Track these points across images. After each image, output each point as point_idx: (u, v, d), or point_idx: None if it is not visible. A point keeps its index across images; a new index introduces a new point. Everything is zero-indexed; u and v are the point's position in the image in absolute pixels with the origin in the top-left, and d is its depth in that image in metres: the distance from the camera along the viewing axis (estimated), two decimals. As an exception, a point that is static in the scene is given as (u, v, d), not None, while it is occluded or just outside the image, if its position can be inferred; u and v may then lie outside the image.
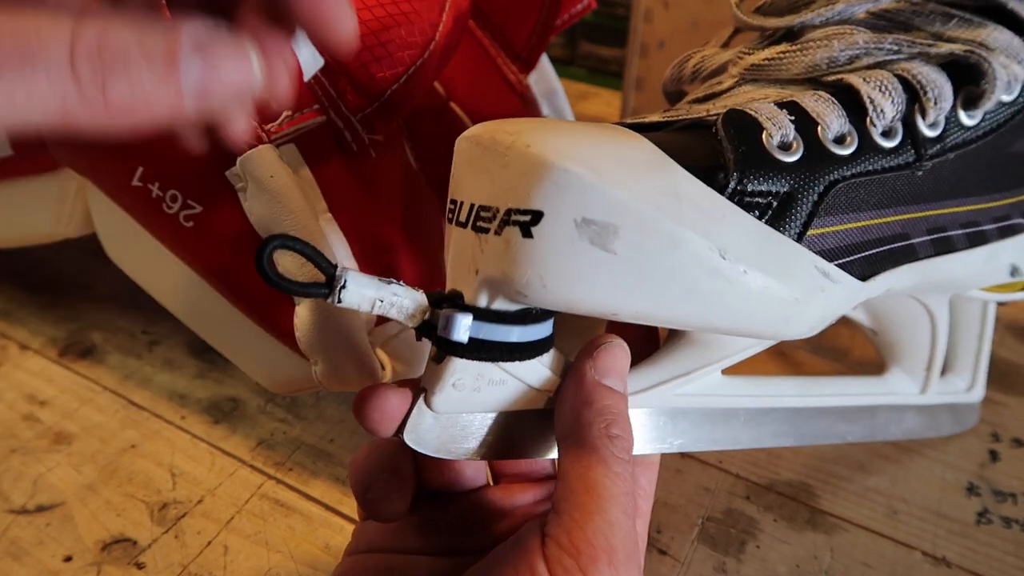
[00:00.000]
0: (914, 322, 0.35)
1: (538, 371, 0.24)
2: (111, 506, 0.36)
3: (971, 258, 0.30)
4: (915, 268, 0.28)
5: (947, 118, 0.27)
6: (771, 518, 0.36)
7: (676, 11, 0.56)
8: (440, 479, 0.28)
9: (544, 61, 0.51)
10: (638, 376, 0.27)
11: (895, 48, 0.27)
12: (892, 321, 0.36)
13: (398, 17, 0.32)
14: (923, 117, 0.26)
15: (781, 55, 0.28)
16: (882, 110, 0.26)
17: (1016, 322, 0.49)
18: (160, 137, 0.25)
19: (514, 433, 0.25)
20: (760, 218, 0.23)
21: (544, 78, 0.51)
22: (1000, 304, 0.39)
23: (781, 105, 0.25)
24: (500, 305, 0.22)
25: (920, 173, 0.27)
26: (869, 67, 0.27)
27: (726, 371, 0.29)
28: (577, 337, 0.29)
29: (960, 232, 0.29)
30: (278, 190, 0.29)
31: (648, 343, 0.28)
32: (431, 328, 0.23)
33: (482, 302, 0.22)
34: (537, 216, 0.20)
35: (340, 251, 0.32)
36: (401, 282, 0.23)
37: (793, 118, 0.25)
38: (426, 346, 0.24)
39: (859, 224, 0.25)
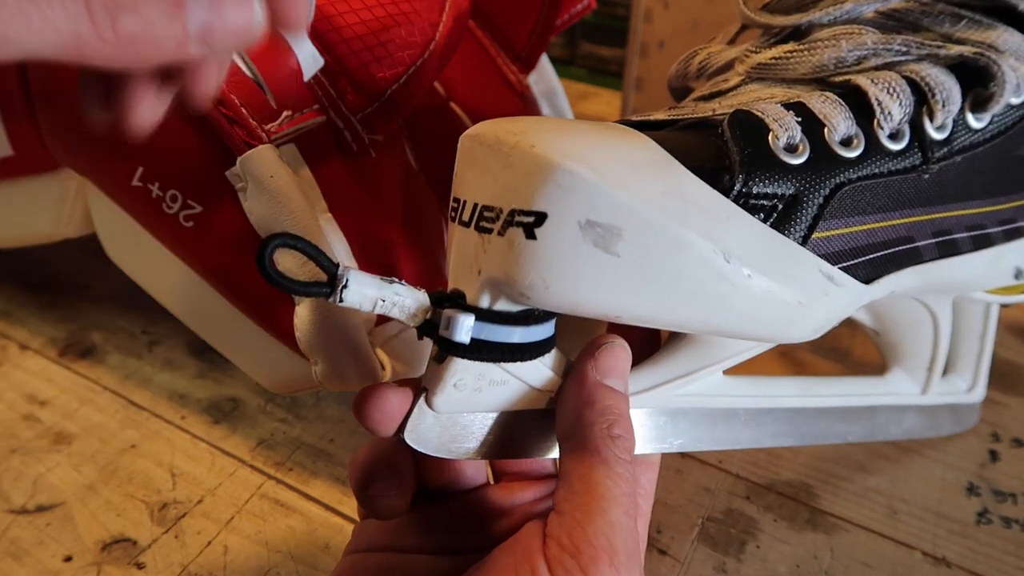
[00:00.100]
0: (917, 323, 0.35)
1: (540, 371, 0.24)
2: (111, 506, 0.36)
3: (976, 261, 0.30)
4: (919, 271, 0.28)
5: (955, 120, 0.27)
6: (771, 518, 0.36)
7: (676, 11, 0.56)
8: (440, 478, 0.28)
9: (544, 61, 0.51)
10: (639, 376, 0.27)
11: (904, 49, 0.26)
12: (895, 322, 0.36)
13: (398, 17, 0.32)
14: (931, 120, 0.26)
15: (788, 54, 0.28)
16: (890, 112, 0.25)
17: (1016, 322, 0.49)
18: (160, 137, 0.25)
19: (515, 433, 0.25)
20: (765, 221, 0.23)
21: (544, 78, 0.51)
22: (1003, 306, 0.39)
23: (788, 106, 0.25)
24: (502, 306, 0.22)
25: (926, 176, 0.26)
26: (877, 68, 0.27)
27: (727, 371, 0.29)
28: (578, 337, 0.29)
29: (965, 235, 0.29)
30: (278, 190, 0.29)
31: (649, 343, 0.28)
32: (433, 328, 0.23)
33: (484, 303, 0.22)
34: (541, 217, 0.20)
35: (340, 251, 0.32)
36: (403, 281, 0.23)
37: (800, 119, 0.25)
38: (427, 346, 0.24)
39: (864, 227, 0.25)
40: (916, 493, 0.37)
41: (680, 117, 0.26)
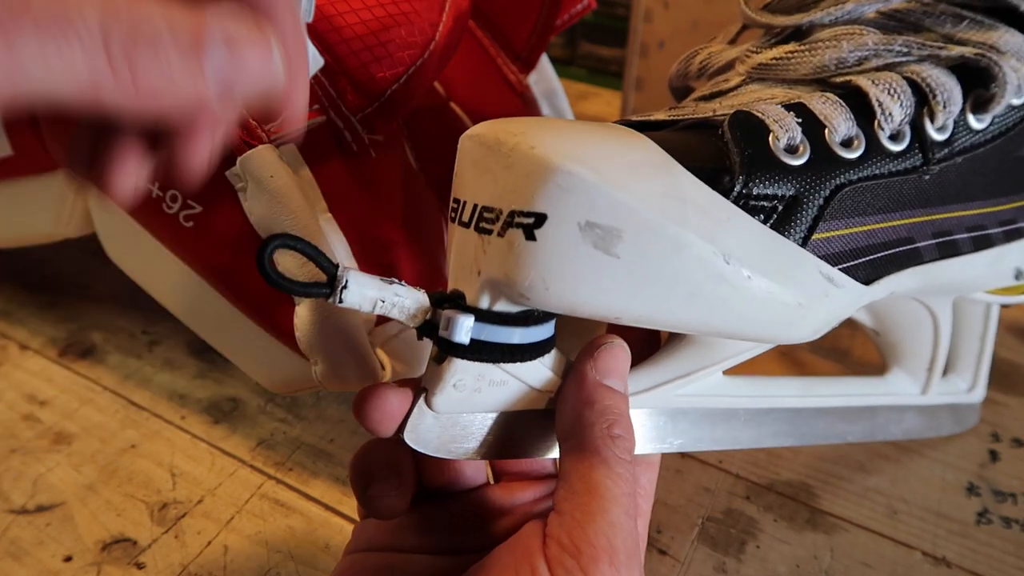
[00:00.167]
0: (917, 323, 0.35)
1: (539, 372, 0.24)
2: (111, 506, 0.36)
3: (976, 262, 0.30)
4: (920, 272, 0.28)
5: (956, 121, 0.27)
6: (771, 518, 0.36)
7: (676, 11, 0.56)
8: (440, 477, 0.28)
9: (544, 61, 0.51)
10: (639, 377, 0.27)
11: (905, 50, 0.26)
12: (895, 322, 0.36)
13: (398, 17, 0.32)
14: (932, 121, 0.26)
15: (789, 55, 0.28)
16: (890, 113, 0.25)
17: (1016, 322, 0.49)
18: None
19: (514, 433, 0.25)
20: (765, 222, 0.23)
21: (544, 78, 0.51)
22: (1003, 306, 0.39)
23: (788, 107, 0.25)
24: (502, 306, 0.22)
25: (927, 177, 0.26)
26: (878, 69, 0.27)
27: (727, 371, 0.29)
28: (578, 337, 0.29)
29: (966, 236, 0.29)
30: (278, 190, 0.29)
31: (649, 344, 0.28)
32: (433, 328, 0.23)
33: (484, 303, 0.22)
34: (541, 219, 0.20)
35: (340, 251, 0.32)
36: (403, 282, 0.23)
37: (800, 120, 0.25)
38: (426, 346, 0.24)
39: (864, 228, 0.25)
40: (916, 493, 0.37)
41: (680, 117, 0.26)
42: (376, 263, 0.33)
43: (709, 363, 0.27)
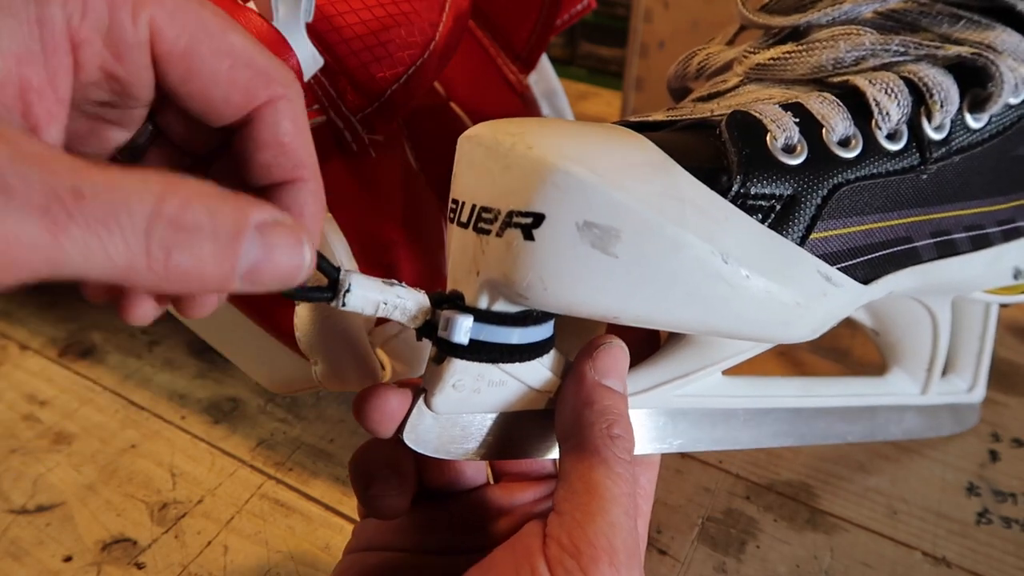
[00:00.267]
0: (916, 323, 0.35)
1: (538, 372, 0.24)
2: (111, 506, 0.36)
3: (975, 261, 0.30)
4: (918, 271, 0.28)
5: (953, 121, 0.27)
6: (771, 518, 0.36)
7: (676, 11, 0.56)
8: (441, 478, 0.28)
9: (544, 61, 0.51)
10: (638, 377, 0.27)
11: (902, 50, 0.26)
12: (894, 322, 0.36)
13: (398, 17, 0.32)
14: (929, 120, 0.26)
15: (786, 55, 0.28)
16: (888, 113, 0.25)
17: (1016, 322, 0.49)
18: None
19: (514, 433, 0.25)
20: (763, 221, 0.23)
21: (544, 78, 0.51)
22: (1002, 305, 0.39)
23: (786, 107, 0.25)
24: (501, 307, 0.22)
25: (925, 176, 0.26)
26: (875, 69, 0.27)
27: (726, 371, 0.29)
28: (577, 337, 0.29)
29: (964, 235, 0.29)
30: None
31: (648, 344, 0.28)
32: (432, 329, 0.23)
33: (483, 304, 0.22)
34: (539, 219, 0.20)
35: (340, 250, 0.32)
36: (404, 284, 0.23)
37: (798, 120, 0.25)
38: (426, 346, 0.24)
39: (863, 227, 0.25)
40: (916, 493, 0.37)
41: (678, 118, 0.26)
42: (376, 263, 0.33)
43: (708, 363, 0.28)
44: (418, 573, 0.26)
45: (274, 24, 0.27)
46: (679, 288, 0.21)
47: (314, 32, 0.30)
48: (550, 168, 0.20)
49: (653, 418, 0.28)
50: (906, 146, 0.26)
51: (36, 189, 0.13)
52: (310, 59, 0.29)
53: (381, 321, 0.33)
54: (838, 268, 0.25)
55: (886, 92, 0.26)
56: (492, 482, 0.30)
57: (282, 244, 0.17)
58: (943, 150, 0.27)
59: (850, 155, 0.25)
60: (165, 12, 0.17)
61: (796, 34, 0.29)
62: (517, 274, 0.21)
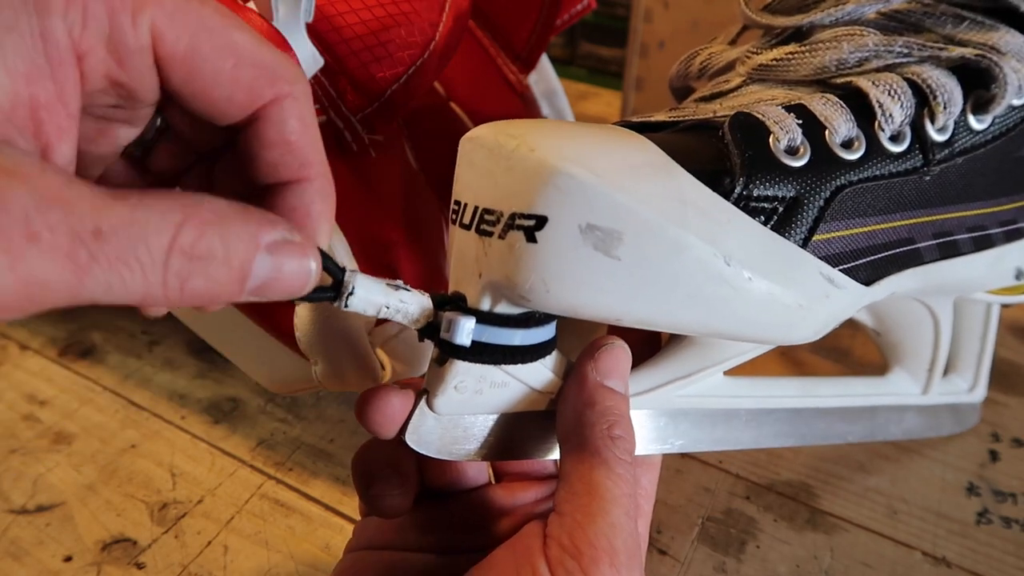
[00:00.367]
0: (917, 323, 0.35)
1: (540, 373, 0.24)
2: (111, 506, 0.36)
3: (977, 262, 0.30)
4: (920, 272, 0.28)
5: (956, 122, 0.27)
6: (771, 518, 0.36)
7: (676, 11, 0.56)
8: (442, 477, 0.28)
9: (544, 61, 0.51)
10: (640, 378, 0.27)
11: (905, 51, 0.26)
12: (895, 322, 0.36)
13: (398, 17, 0.32)
14: (932, 122, 0.26)
15: (789, 56, 0.27)
16: (891, 114, 0.25)
17: (1017, 322, 0.50)
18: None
19: (515, 434, 0.25)
20: (766, 223, 0.23)
21: (544, 78, 0.51)
22: (1004, 306, 0.39)
23: (789, 108, 0.25)
24: (503, 308, 0.22)
25: (928, 178, 0.26)
26: (878, 70, 0.27)
27: (728, 372, 0.29)
28: (578, 338, 0.29)
29: (966, 236, 0.29)
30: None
31: (649, 345, 0.28)
32: (434, 330, 0.23)
33: (485, 305, 0.22)
34: (541, 221, 0.20)
35: (340, 250, 0.32)
36: (407, 286, 0.22)
37: (801, 122, 0.24)
38: (427, 346, 0.24)
39: (865, 229, 0.25)
40: (916, 493, 0.37)
41: (681, 119, 0.26)
42: (376, 263, 0.33)
43: (710, 364, 0.27)
44: (419, 572, 0.26)
45: (274, 24, 0.27)
46: (681, 290, 0.21)
47: (314, 32, 0.30)
48: (553, 170, 0.20)
49: (654, 419, 0.28)
50: (909, 148, 0.26)
51: (61, 233, 0.14)
52: (310, 59, 0.29)
53: (381, 321, 0.33)
54: (840, 270, 0.25)
55: (889, 93, 0.26)
56: (494, 482, 0.30)
57: (290, 261, 0.17)
58: (946, 152, 0.27)
59: (853, 157, 0.25)
60: (165, 14, 0.16)
61: (799, 35, 0.29)
62: (520, 276, 0.21)
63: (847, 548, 0.34)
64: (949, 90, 0.26)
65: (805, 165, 0.24)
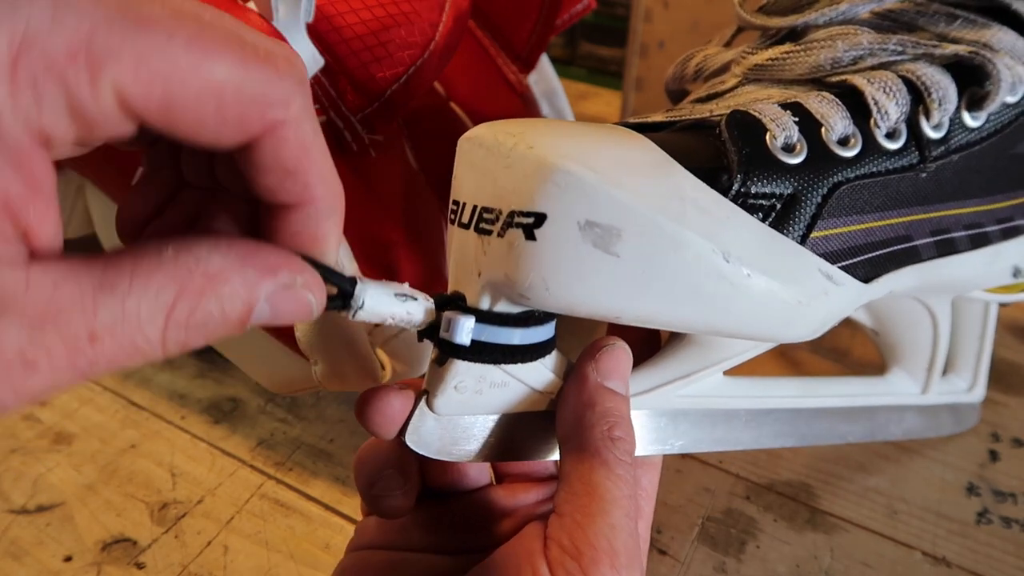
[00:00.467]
0: (916, 323, 0.35)
1: (540, 373, 0.24)
2: (111, 506, 0.36)
3: (974, 260, 0.30)
4: (918, 270, 0.28)
5: (951, 120, 0.27)
6: (771, 518, 0.36)
7: (676, 11, 0.56)
8: (444, 478, 0.28)
9: (544, 61, 0.51)
10: (640, 378, 0.27)
11: (899, 49, 0.27)
12: (894, 322, 0.36)
13: (398, 17, 0.32)
14: (927, 119, 0.26)
15: (784, 55, 0.28)
16: (886, 111, 0.25)
17: (1016, 322, 0.50)
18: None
19: (515, 435, 0.25)
20: (764, 220, 0.23)
21: (544, 78, 0.51)
22: (1001, 305, 0.39)
23: (785, 106, 0.25)
24: (503, 307, 0.22)
25: (924, 175, 0.27)
26: (873, 68, 0.27)
27: (727, 372, 0.29)
28: (578, 338, 0.29)
29: (963, 234, 0.29)
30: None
31: (649, 345, 0.28)
32: (434, 330, 0.23)
33: (484, 304, 0.22)
34: (540, 218, 0.20)
35: (340, 250, 0.32)
36: (414, 292, 0.22)
37: (797, 119, 0.25)
38: (427, 345, 0.24)
39: (863, 226, 0.25)
40: (916, 493, 0.37)
41: (678, 118, 0.26)
42: (376, 263, 0.33)
43: (709, 363, 0.27)
44: (420, 572, 0.26)
45: (274, 24, 0.27)
46: (680, 287, 0.21)
47: (314, 32, 0.30)
48: (551, 168, 0.20)
49: (654, 419, 0.28)
50: (905, 145, 0.26)
51: (58, 351, 0.14)
52: (310, 59, 0.29)
53: (381, 321, 0.33)
54: (839, 267, 0.25)
55: (884, 91, 0.26)
56: (495, 483, 0.30)
57: (289, 303, 0.17)
58: (942, 148, 0.27)
59: (849, 154, 0.25)
60: (127, 69, 0.14)
61: (794, 35, 0.29)
62: (519, 274, 0.21)
63: (847, 548, 0.34)
64: (943, 87, 0.26)
65: (802, 162, 0.24)
